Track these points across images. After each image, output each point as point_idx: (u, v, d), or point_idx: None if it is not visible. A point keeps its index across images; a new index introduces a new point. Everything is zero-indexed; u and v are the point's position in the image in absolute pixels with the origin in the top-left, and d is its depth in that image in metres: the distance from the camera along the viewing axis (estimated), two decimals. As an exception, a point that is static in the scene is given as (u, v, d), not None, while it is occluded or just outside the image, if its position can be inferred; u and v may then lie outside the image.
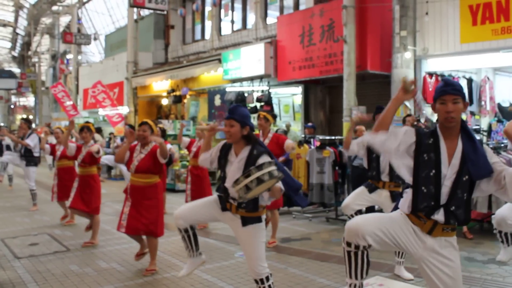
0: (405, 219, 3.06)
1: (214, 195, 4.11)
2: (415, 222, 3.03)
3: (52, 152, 8.90)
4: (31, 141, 10.01)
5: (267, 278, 3.92)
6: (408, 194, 3.07)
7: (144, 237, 5.92)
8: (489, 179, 2.92)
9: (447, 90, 2.94)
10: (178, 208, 4.15)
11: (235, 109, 3.89)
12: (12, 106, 60.97)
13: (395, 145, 3.01)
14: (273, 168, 3.40)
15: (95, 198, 7.18)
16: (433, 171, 2.93)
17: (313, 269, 5.87)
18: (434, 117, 9.92)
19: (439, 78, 10.03)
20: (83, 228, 7.94)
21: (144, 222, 5.61)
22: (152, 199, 5.69)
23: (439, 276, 2.98)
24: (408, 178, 3.05)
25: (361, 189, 5.49)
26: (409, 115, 8.45)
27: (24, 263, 6.18)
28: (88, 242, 7.08)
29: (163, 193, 7.44)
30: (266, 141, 6.87)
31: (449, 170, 2.93)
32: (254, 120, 15.46)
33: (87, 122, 7.60)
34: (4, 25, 48.83)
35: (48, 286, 5.25)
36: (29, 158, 10.25)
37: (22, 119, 11.13)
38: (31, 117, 42.99)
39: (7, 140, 12.65)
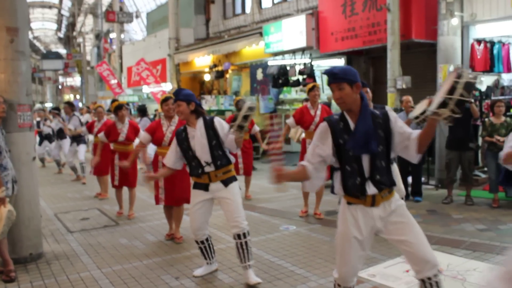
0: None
1: (192, 192, 4.62)
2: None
3: (90, 130, 9.56)
4: (72, 125, 10.86)
5: (248, 233, 4.41)
6: None
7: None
8: None
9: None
10: (189, 224, 4.72)
11: (178, 92, 4.48)
12: (59, 87, 62.69)
13: None
14: (248, 104, 4.02)
15: None
16: None
17: (359, 241, 5.84)
18: (483, 86, 9.59)
19: (488, 45, 9.63)
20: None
21: (178, 191, 5.87)
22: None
23: None
24: None
25: None
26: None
27: (77, 236, 6.42)
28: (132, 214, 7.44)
29: None
30: (318, 112, 6.97)
31: None
32: (297, 93, 15.19)
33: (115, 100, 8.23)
34: (50, 7, 50.01)
35: (99, 258, 5.44)
36: (79, 138, 11.00)
37: (66, 103, 12.15)
38: (78, 96, 43.98)
39: (46, 129, 13.17)
